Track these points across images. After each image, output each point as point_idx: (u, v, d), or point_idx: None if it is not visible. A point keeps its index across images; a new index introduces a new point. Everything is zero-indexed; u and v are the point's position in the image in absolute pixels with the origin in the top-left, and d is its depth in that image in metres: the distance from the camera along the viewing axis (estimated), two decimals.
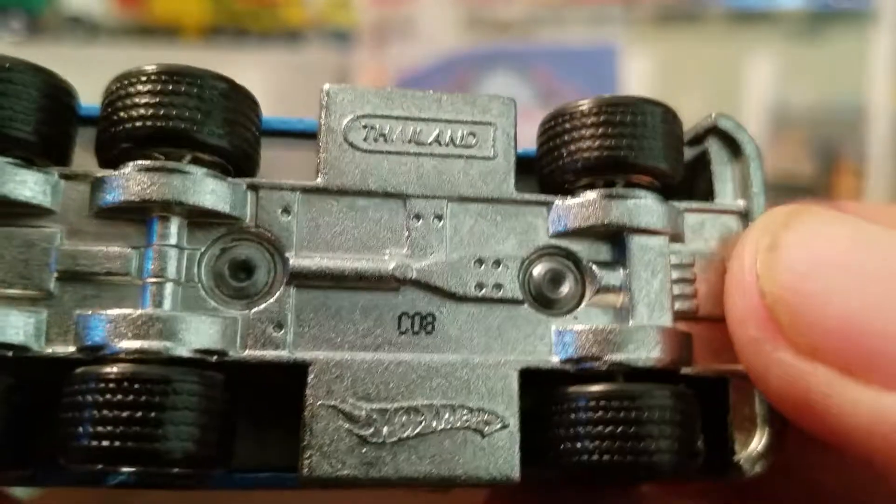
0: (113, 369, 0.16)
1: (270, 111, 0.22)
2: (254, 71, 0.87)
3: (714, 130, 0.22)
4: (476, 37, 1.04)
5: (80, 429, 0.16)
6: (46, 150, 0.19)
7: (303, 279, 0.19)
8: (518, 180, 0.21)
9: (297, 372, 0.18)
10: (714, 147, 0.22)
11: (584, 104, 0.20)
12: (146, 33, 1.04)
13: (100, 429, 0.16)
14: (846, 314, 0.16)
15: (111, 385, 0.16)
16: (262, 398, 0.19)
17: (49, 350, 0.18)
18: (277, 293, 0.19)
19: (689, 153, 0.22)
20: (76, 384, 0.17)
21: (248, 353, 0.18)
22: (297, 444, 0.18)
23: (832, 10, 1.09)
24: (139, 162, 0.18)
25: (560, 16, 1.06)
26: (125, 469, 0.18)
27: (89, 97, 0.22)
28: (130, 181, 0.18)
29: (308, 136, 0.21)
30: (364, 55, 1.02)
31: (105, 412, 0.16)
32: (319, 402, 0.18)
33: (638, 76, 0.94)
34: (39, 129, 0.18)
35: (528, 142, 0.22)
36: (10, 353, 0.17)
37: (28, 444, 0.17)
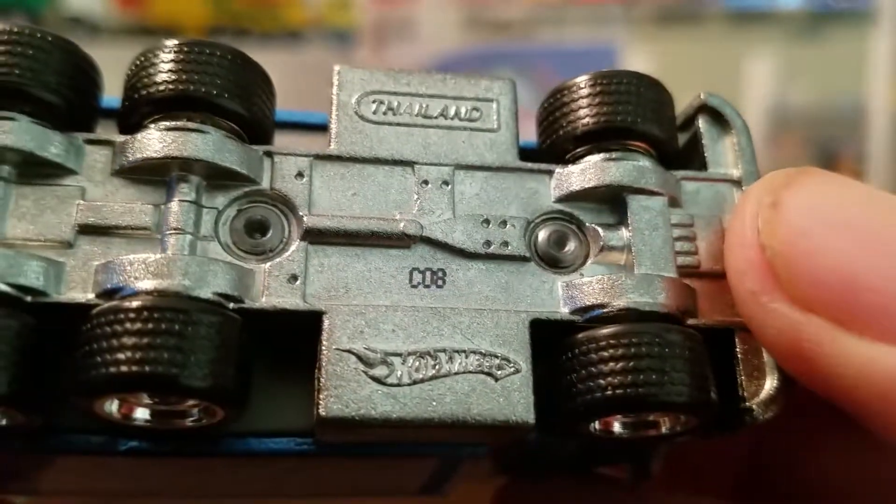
0: (132, 303, 0.17)
1: None
2: None
3: (703, 108, 0.23)
4: (476, 37, 1.04)
5: (100, 358, 0.16)
6: (71, 117, 0.19)
7: (316, 236, 0.19)
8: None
9: (311, 321, 0.19)
10: (704, 124, 0.23)
11: (581, 78, 0.21)
12: (146, 33, 1.04)
13: (119, 356, 0.16)
14: (842, 269, 0.17)
15: (131, 315, 0.17)
16: (275, 367, 0.20)
17: (68, 295, 0.18)
18: (292, 248, 0.19)
19: (682, 137, 0.23)
20: (95, 320, 0.17)
21: (265, 301, 0.19)
22: (311, 413, 0.19)
23: (832, 10, 1.09)
24: (161, 122, 0.19)
25: (560, 16, 1.06)
26: (143, 406, 0.18)
27: None
28: (152, 139, 0.19)
29: (316, 128, 0.22)
30: (364, 55, 1.02)
31: (125, 340, 0.16)
32: (335, 347, 0.18)
33: None
34: (65, 95, 0.19)
35: (529, 140, 0.23)
36: (28, 298, 0.18)
37: (43, 392, 0.18)
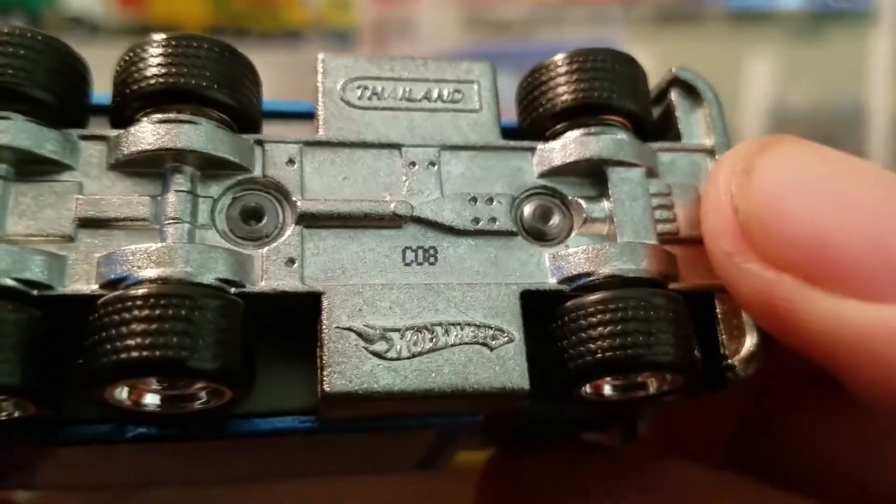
0: (139, 291, 0.17)
1: None
2: None
3: (675, 82, 0.24)
4: (476, 37, 1.04)
5: (110, 346, 0.17)
6: (63, 114, 0.20)
7: (310, 220, 0.20)
8: None
9: (310, 303, 0.19)
10: (677, 97, 0.24)
11: (558, 57, 0.22)
12: (146, 33, 1.04)
13: (129, 342, 0.17)
14: (811, 229, 0.18)
15: (138, 302, 0.17)
16: (274, 350, 0.20)
17: (72, 287, 0.18)
18: (287, 233, 0.20)
19: (655, 110, 0.24)
20: (102, 309, 0.17)
21: (265, 284, 0.19)
22: (313, 391, 0.19)
23: (832, 10, 1.09)
24: (153, 115, 0.19)
25: (560, 16, 1.06)
26: (152, 391, 0.18)
27: None
28: (145, 132, 0.19)
29: (303, 117, 0.22)
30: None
31: (133, 326, 0.17)
32: (335, 326, 0.19)
33: None
34: (57, 93, 0.19)
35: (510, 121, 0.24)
36: (34, 292, 0.18)
37: (53, 381, 0.18)
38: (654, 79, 0.25)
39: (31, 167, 0.19)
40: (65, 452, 0.21)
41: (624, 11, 1.05)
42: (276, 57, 1.00)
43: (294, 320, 0.20)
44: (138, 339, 0.17)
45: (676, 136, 0.23)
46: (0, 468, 0.23)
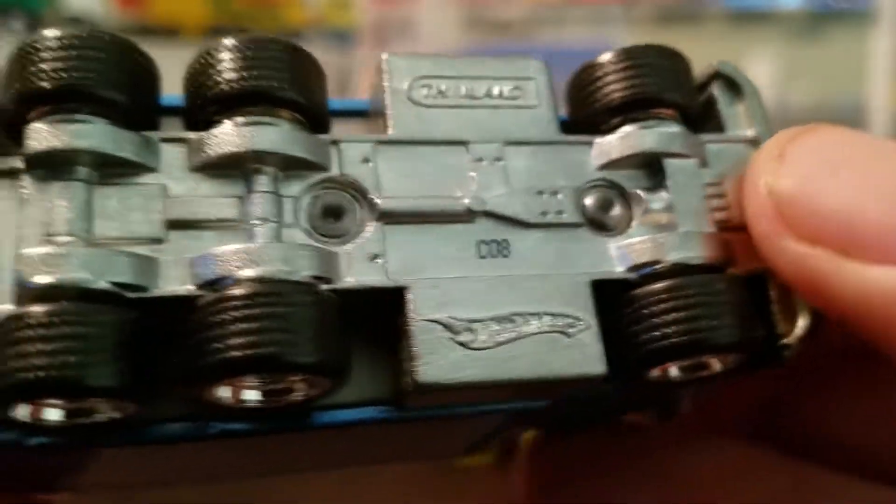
0: (239, 291, 0.18)
1: None
2: None
3: (716, 75, 0.25)
4: (476, 37, 1.04)
5: (214, 345, 0.17)
6: (138, 116, 0.20)
7: (389, 217, 0.20)
8: None
9: (394, 297, 0.20)
10: (718, 90, 0.25)
11: (608, 55, 0.23)
12: (146, 33, 1.05)
13: (233, 341, 0.17)
14: (841, 203, 0.19)
15: (239, 302, 0.17)
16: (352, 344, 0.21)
17: (168, 289, 0.19)
18: (368, 230, 0.20)
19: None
20: (204, 310, 0.18)
21: (352, 280, 0.20)
22: (390, 382, 0.20)
23: (832, 10, 1.09)
24: (235, 119, 0.20)
25: (560, 16, 1.06)
26: (253, 387, 0.19)
27: None
28: (229, 135, 0.20)
29: (357, 114, 0.23)
30: (364, 55, 1.02)
31: (237, 326, 0.17)
32: (421, 318, 0.20)
33: None
34: (132, 95, 0.19)
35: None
36: (129, 294, 0.18)
37: (150, 382, 0.18)
38: None
39: (112, 170, 0.19)
40: (112, 452, 0.21)
41: (624, 11, 1.05)
42: None
43: (363, 316, 0.20)
44: (243, 338, 0.17)
45: (718, 127, 0.24)
46: (50, 473, 0.23)
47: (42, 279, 0.17)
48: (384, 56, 0.22)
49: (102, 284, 0.18)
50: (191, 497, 0.29)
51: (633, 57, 0.23)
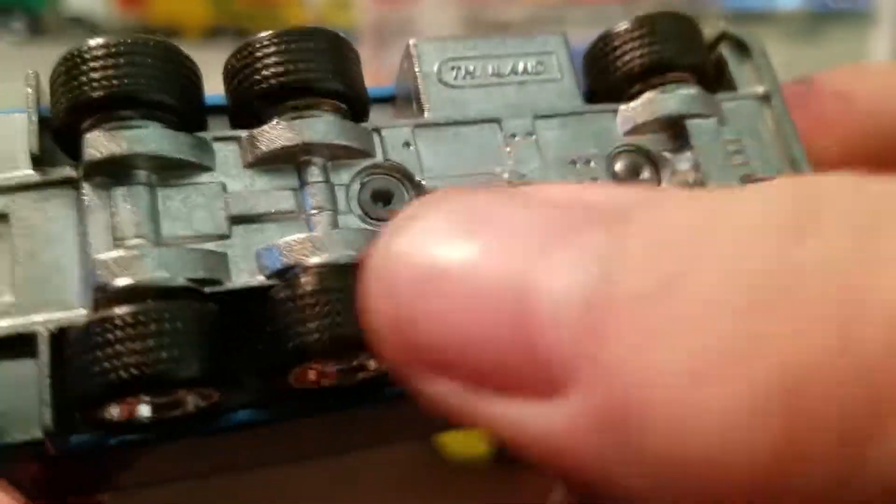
0: (309, 277, 0.18)
1: None
2: None
3: (724, 36, 0.25)
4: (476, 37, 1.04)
5: (291, 331, 0.18)
6: (188, 117, 0.20)
7: None
8: None
9: None
10: (727, 51, 0.26)
11: (623, 24, 0.24)
12: (147, 34, 1.04)
13: (309, 325, 0.18)
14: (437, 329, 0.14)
15: (312, 288, 0.18)
16: None
17: (240, 281, 0.19)
18: None
19: None
20: (276, 299, 0.19)
21: None
22: None
23: (831, 10, 1.09)
24: (283, 113, 0.20)
25: (560, 16, 1.06)
26: (332, 365, 0.19)
27: None
28: (280, 129, 0.20)
29: (384, 101, 0.24)
30: (364, 55, 1.02)
31: (311, 311, 0.18)
32: None
33: None
34: (181, 98, 0.20)
35: None
36: (206, 289, 0.19)
37: (231, 371, 0.19)
38: None
39: (171, 172, 0.20)
40: (160, 447, 0.22)
41: (624, 11, 1.05)
42: None
43: None
44: (316, 323, 0.18)
45: (729, 86, 0.25)
46: (96, 475, 0.24)
47: (123, 281, 0.18)
48: (412, 41, 0.23)
49: (180, 281, 0.18)
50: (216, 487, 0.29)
51: (648, 24, 0.24)
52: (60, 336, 0.18)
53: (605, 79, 0.24)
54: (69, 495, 0.24)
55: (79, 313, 0.18)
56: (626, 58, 0.24)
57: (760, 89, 0.25)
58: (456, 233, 0.13)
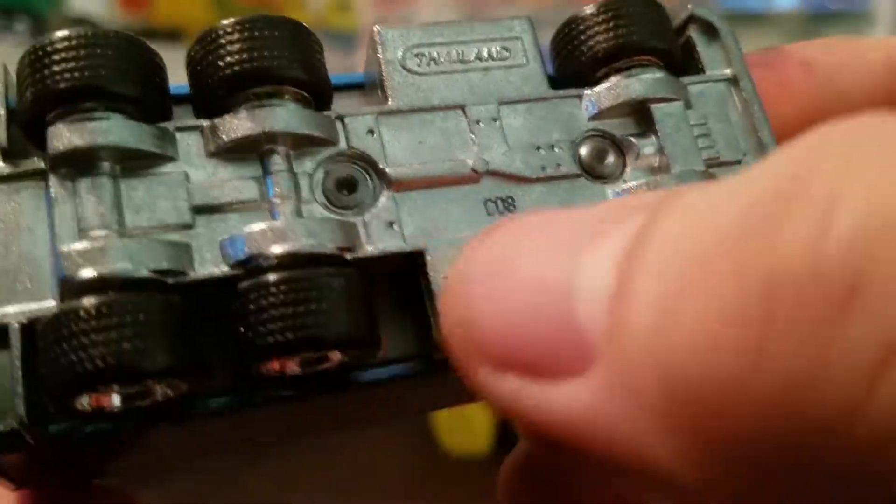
0: (275, 276, 0.18)
1: None
2: None
3: (692, 19, 0.25)
4: None
5: (261, 329, 0.18)
6: (153, 108, 0.20)
7: (400, 185, 0.21)
8: None
9: (411, 260, 0.21)
10: (695, 33, 0.26)
11: (589, 8, 0.24)
12: (149, 35, 1.04)
13: (276, 325, 0.18)
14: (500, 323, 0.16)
15: (277, 287, 0.18)
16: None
17: (205, 272, 0.19)
18: (382, 198, 0.21)
19: None
20: (244, 295, 0.19)
21: (373, 248, 0.20)
22: (420, 338, 0.21)
23: (829, 11, 1.09)
24: (244, 101, 0.21)
25: (560, 16, 1.06)
26: (296, 362, 0.19)
27: None
28: (242, 119, 0.20)
29: (354, 88, 0.24)
30: (364, 56, 1.03)
31: (281, 310, 0.18)
32: (442, 276, 0.20)
33: None
34: (144, 89, 0.20)
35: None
36: (170, 280, 0.19)
37: (200, 361, 0.19)
38: None
39: (134, 163, 0.20)
40: (156, 434, 0.22)
41: None
42: None
43: (378, 279, 0.21)
44: (279, 324, 0.18)
45: (697, 70, 0.25)
46: (98, 460, 0.24)
47: (87, 273, 0.18)
48: (376, 28, 0.23)
49: (144, 273, 0.18)
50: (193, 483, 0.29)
51: (614, 8, 0.24)
52: (32, 327, 0.18)
53: (571, 63, 0.24)
54: (60, 480, 0.25)
55: (50, 305, 0.18)
56: (591, 42, 0.24)
57: (728, 72, 0.25)
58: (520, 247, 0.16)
